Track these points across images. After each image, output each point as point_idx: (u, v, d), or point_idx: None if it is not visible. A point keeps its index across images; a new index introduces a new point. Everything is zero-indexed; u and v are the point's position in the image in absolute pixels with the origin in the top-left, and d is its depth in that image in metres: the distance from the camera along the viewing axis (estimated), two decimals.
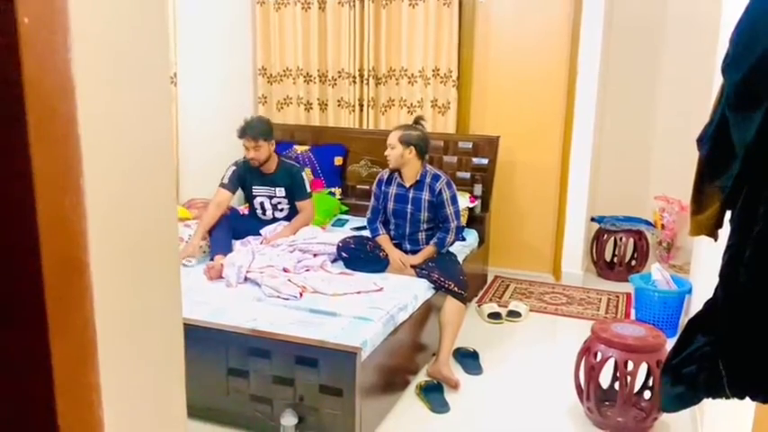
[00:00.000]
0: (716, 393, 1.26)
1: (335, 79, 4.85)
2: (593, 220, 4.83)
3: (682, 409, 1.43)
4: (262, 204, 3.88)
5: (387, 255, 3.46)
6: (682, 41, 4.66)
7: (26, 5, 0.60)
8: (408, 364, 3.19)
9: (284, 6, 4.84)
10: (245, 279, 3.20)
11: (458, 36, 4.55)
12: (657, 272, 3.83)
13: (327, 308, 2.87)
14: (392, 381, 3.00)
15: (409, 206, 3.48)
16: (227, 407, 2.70)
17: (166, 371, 0.89)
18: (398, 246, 3.54)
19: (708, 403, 2.28)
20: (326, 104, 4.93)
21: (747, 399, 1.24)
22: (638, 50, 4.81)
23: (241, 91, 4.94)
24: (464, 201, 4.19)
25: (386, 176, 3.58)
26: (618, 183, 4.98)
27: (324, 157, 4.69)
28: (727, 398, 1.24)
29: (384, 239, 3.53)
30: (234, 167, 3.82)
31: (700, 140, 1.35)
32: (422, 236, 3.51)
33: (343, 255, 3.50)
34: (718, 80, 1.47)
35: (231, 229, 3.68)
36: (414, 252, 3.49)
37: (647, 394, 2.79)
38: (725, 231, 1.28)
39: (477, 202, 4.40)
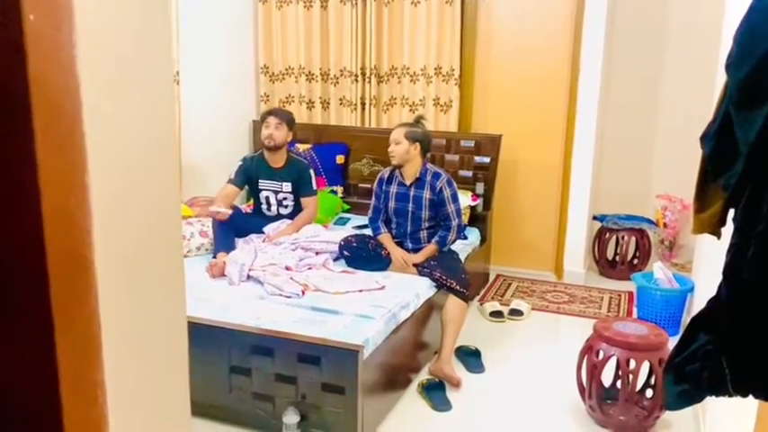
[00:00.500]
0: (719, 391, 1.26)
1: (337, 78, 4.85)
2: (595, 218, 4.82)
3: (684, 407, 1.43)
4: (267, 199, 3.89)
5: (389, 253, 3.46)
6: (684, 39, 4.65)
7: (32, 3, 0.60)
8: (410, 362, 3.20)
9: (286, 5, 4.84)
10: (248, 277, 3.20)
11: (460, 34, 4.55)
12: (659, 270, 3.83)
13: (329, 306, 2.87)
14: (394, 379, 3.00)
15: (410, 204, 3.48)
16: (229, 404, 2.70)
17: (170, 368, 0.89)
18: (400, 244, 3.54)
19: (710, 401, 2.28)
20: (328, 103, 4.93)
21: (750, 396, 1.24)
22: (641, 48, 4.81)
23: (243, 89, 4.95)
24: (466, 199, 4.19)
25: (386, 175, 3.59)
26: (620, 181, 4.98)
27: (326, 156, 4.69)
28: (730, 396, 1.24)
29: (386, 238, 3.53)
30: (241, 162, 3.87)
31: (703, 138, 1.34)
32: (423, 234, 3.52)
33: (346, 253, 3.50)
34: (721, 78, 1.47)
35: (234, 227, 3.69)
36: (415, 250, 3.49)
37: (649, 393, 2.79)
38: (728, 230, 1.28)
39: (479, 201, 4.40)
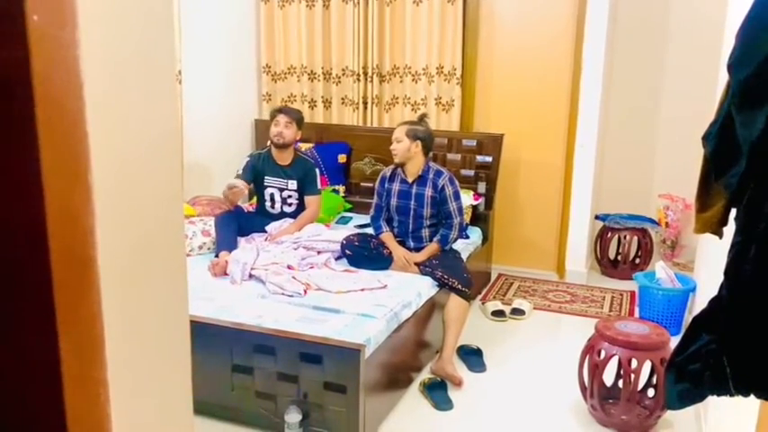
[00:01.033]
0: (720, 391, 1.26)
1: (339, 77, 4.85)
2: (597, 218, 4.82)
3: (686, 406, 1.44)
4: (272, 196, 3.90)
5: (390, 252, 3.46)
6: (686, 39, 4.64)
7: (36, 2, 0.60)
8: (412, 361, 3.20)
9: (288, 4, 4.84)
10: (250, 276, 3.21)
11: (462, 33, 4.55)
12: (661, 270, 3.83)
13: (331, 305, 2.87)
14: (396, 378, 3.00)
15: (412, 202, 3.48)
16: (231, 403, 2.70)
17: (173, 366, 0.90)
18: (402, 243, 3.55)
19: (712, 401, 2.28)
20: (330, 102, 4.93)
21: (752, 396, 1.24)
22: (643, 47, 4.80)
23: (245, 89, 4.95)
24: (468, 198, 4.19)
25: (388, 174, 3.59)
26: (622, 181, 4.97)
27: (327, 155, 4.69)
28: (732, 395, 1.24)
29: (388, 237, 3.53)
30: (249, 158, 3.90)
31: (705, 138, 1.35)
32: (425, 233, 3.52)
33: (347, 252, 3.50)
34: (723, 78, 1.46)
35: (236, 226, 3.69)
36: (417, 249, 3.50)
37: (650, 392, 2.79)
38: (730, 229, 1.28)
39: (481, 200, 4.41)
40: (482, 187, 4.43)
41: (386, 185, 3.57)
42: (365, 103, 4.84)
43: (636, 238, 4.74)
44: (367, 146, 4.69)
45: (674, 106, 4.75)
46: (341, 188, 4.72)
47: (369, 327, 2.67)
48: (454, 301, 3.26)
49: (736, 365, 1.21)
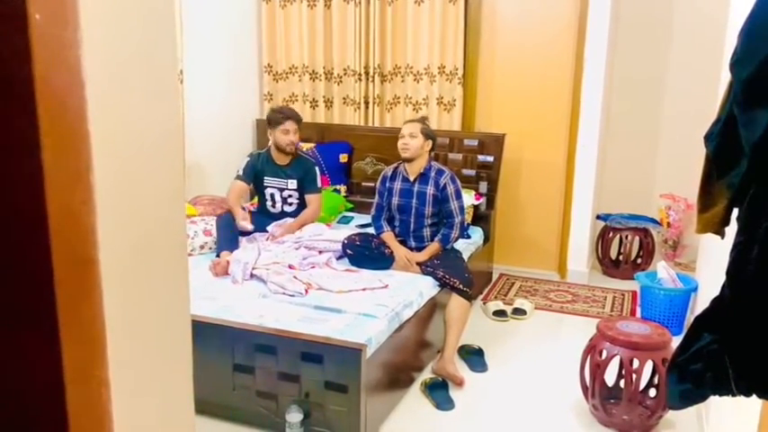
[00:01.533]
0: (722, 391, 1.26)
1: (341, 77, 4.85)
2: (598, 217, 4.82)
3: (688, 406, 1.44)
4: (272, 196, 3.90)
5: (392, 252, 3.46)
6: (689, 38, 4.64)
7: (38, 2, 0.60)
8: (413, 361, 3.20)
9: (290, 4, 4.84)
10: (251, 276, 3.21)
11: (463, 33, 4.55)
12: (663, 270, 3.83)
13: (333, 305, 2.87)
14: (397, 378, 3.00)
15: (414, 200, 3.49)
16: (232, 403, 2.70)
17: (174, 366, 0.90)
18: (403, 242, 3.55)
19: (713, 400, 2.28)
20: (332, 102, 4.93)
21: (754, 396, 1.24)
22: (645, 47, 4.80)
23: (247, 88, 4.95)
24: (469, 198, 4.19)
25: (390, 173, 3.60)
26: (624, 180, 4.97)
27: (329, 155, 4.69)
28: (733, 395, 1.24)
29: (389, 236, 3.54)
30: (249, 159, 3.90)
31: (707, 138, 1.34)
32: (426, 232, 3.52)
33: (349, 252, 3.50)
34: (725, 77, 1.46)
35: (237, 225, 3.69)
36: (418, 249, 3.50)
37: (652, 392, 2.78)
38: (732, 229, 1.28)
39: (483, 200, 4.40)
40: (483, 187, 4.43)
41: (387, 184, 3.58)
42: (366, 103, 4.84)
43: (637, 237, 4.73)
44: (368, 146, 4.69)
45: (676, 106, 4.75)
46: (342, 188, 4.72)
47: (370, 326, 2.67)
48: (456, 301, 3.26)
49: (737, 365, 1.21)
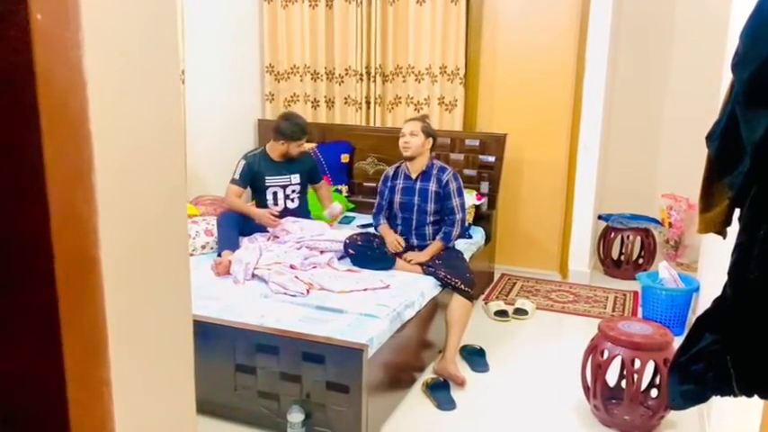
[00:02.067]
0: (724, 391, 1.26)
1: (342, 77, 4.85)
2: (600, 217, 4.81)
3: (689, 406, 1.43)
4: (275, 195, 3.90)
5: (394, 253, 3.46)
6: (691, 38, 4.63)
7: (39, 2, 0.60)
8: (415, 361, 3.20)
9: (291, 4, 4.84)
10: (253, 276, 3.21)
11: (465, 33, 4.55)
12: (665, 270, 3.82)
13: (334, 305, 2.88)
14: (398, 378, 3.00)
15: (416, 197, 3.49)
16: (234, 403, 2.71)
17: (176, 366, 0.90)
18: (405, 241, 3.55)
19: (715, 401, 2.27)
20: (333, 102, 4.93)
21: (755, 396, 1.24)
22: (647, 47, 4.79)
23: (248, 88, 4.96)
24: (471, 198, 4.19)
25: (391, 172, 3.61)
26: (625, 180, 4.97)
27: (330, 155, 4.69)
28: (735, 396, 1.24)
29: (384, 227, 3.56)
30: (243, 161, 3.84)
31: (709, 138, 1.34)
32: (429, 230, 3.52)
33: (350, 252, 3.51)
34: (727, 77, 1.46)
35: (238, 225, 3.69)
36: (420, 248, 3.50)
37: (653, 392, 2.78)
38: (733, 229, 1.28)
39: (484, 200, 4.40)
40: (485, 187, 4.43)
41: (389, 183, 3.59)
42: (368, 103, 4.84)
43: (639, 238, 4.73)
44: (370, 146, 4.69)
45: (678, 106, 4.74)
46: (344, 188, 4.72)
47: (371, 327, 2.67)
48: (457, 301, 3.26)
49: (739, 366, 1.21)
